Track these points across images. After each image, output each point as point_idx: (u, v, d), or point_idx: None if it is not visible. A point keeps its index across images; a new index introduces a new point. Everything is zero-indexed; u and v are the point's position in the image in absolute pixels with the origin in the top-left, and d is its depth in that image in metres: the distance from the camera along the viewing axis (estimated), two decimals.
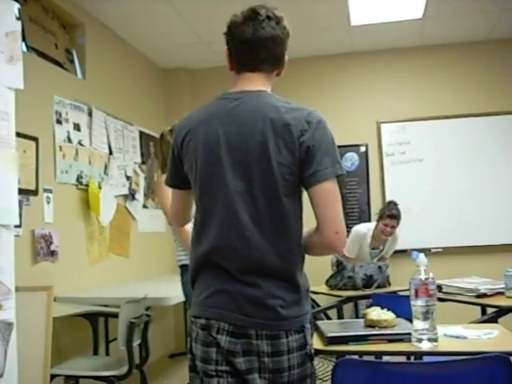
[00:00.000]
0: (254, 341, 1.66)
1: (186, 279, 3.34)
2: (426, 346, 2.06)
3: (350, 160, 6.10)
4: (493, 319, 3.12)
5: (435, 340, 2.08)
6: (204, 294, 1.74)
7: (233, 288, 1.68)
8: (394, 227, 5.00)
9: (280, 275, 1.68)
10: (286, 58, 1.84)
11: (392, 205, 5.04)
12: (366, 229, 5.17)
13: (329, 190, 1.66)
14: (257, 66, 1.79)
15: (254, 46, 1.76)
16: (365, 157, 6.14)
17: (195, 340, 1.74)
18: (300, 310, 1.70)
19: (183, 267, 3.36)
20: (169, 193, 3.21)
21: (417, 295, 1.99)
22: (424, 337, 2.07)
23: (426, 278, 2.07)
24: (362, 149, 6.14)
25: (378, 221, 5.07)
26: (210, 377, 1.72)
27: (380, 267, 4.33)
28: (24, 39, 3.91)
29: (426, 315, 2.04)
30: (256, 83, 1.79)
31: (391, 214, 4.98)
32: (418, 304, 2.04)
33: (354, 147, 6.11)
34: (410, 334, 2.14)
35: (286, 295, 1.68)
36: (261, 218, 1.67)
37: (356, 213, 6.13)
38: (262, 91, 1.77)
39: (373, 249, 5.16)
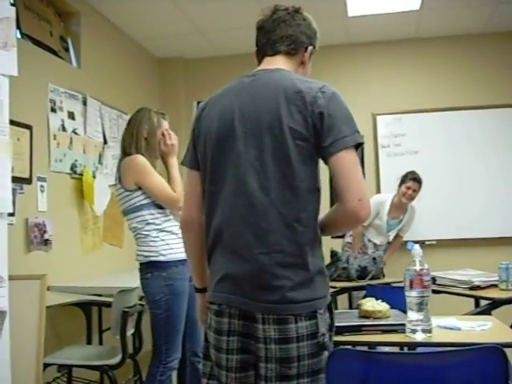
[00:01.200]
0: (260, 325, 1.61)
1: (155, 274, 3.08)
2: (420, 336, 2.06)
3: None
4: (486, 311, 3.13)
5: (429, 331, 2.08)
6: (216, 279, 1.72)
7: (239, 271, 1.65)
8: (415, 191, 5.11)
9: (288, 250, 1.61)
10: (310, 48, 1.87)
11: (414, 172, 5.19)
12: (385, 197, 5.27)
13: (350, 158, 1.63)
14: (272, 48, 1.83)
15: (269, 28, 1.84)
16: (360, 148, 6.11)
17: (209, 327, 1.74)
18: (312, 293, 1.63)
19: (152, 263, 3.09)
20: (156, 174, 3.14)
21: (411, 286, 1.99)
22: (418, 328, 2.07)
23: (421, 269, 2.07)
24: None
25: (399, 185, 5.18)
26: (220, 368, 1.71)
27: (374, 258, 4.34)
28: (18, 26, 3.88)
29: (421, 306, 2.04)
30: (275, 63, 1.82)
31: (414, 177, 5.13)
32: (412, 295, 2.03)
33: None
34: (404, 324, 2.15)
35: (293, 275, 1.60)
36: (270, 185, 1.63)
37: None
38: (280, 68, 1.79)
39: (392, 219, 5.21)
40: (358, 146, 1.67)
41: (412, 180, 5.11)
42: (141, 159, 3.16)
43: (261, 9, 1.90)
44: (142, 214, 3.15)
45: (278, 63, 1.81)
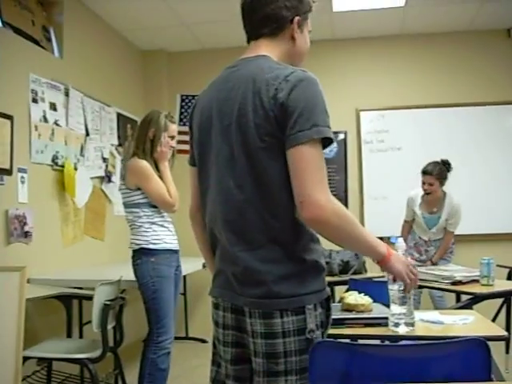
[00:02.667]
0: (247, 319, 1.59)
1: (144, 260, 3.42)
2: (402, 330, 2.07)
3: (328, 147, 6.08)
4: (468, 306, 3.16)
5: (412, 325, 2.08)
6: (214, 274, 1.76)
7: (227, 266, 1.65)
8: (431, 184, 4.93)
9: (268, 246, 1.57)
10: (297, 19, 1.71)
11: (431, 162, 5.02)
12: (415, 192, 5.15)
13: (300, 155, 1.50)
14: (255, 32, 1.75)
15: (247, 9, 1.75)
16: (343, 144, 6.14)
17: (212, 318, 1.76)
18: (299, 288, 1.57)
19: (142, 250, 3.44)
20: (157, 178, 3.39)
21: (394, 279, 1.98)
22: (401, 321, 2.07)
23: None
24: (341, 136, 6.14)
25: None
26: (221, 358, 1.74)
27: (357, 253, 4.35)
28: (0, 15, 3.83)
29: (404, 300, 2.04)
30: (257, 49, 1.73)
31: (424, 169, 4.99)
32: (395, 288, 2.03)
33: (333, 134, 6.10)
34: (386, 318, 2.15)
35: (276, 269, 1.56)
36: (245, 182, 1.58)
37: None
38: (260, 56, 1.70)
39: (428, 214, 5.10)
40: (326, 143, 1.57)
41: (424, 174, 4.97)
42: (143, 164, 3.41)
43: None
44: (138, 211, 3.49)
45: (260, 48, 1.72)
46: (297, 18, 1.72)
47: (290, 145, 1.52)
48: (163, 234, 3.48)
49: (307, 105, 1.53)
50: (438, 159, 5.03)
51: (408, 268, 1.77)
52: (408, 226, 5.27)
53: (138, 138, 3.52)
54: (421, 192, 5.05)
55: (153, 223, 3.47)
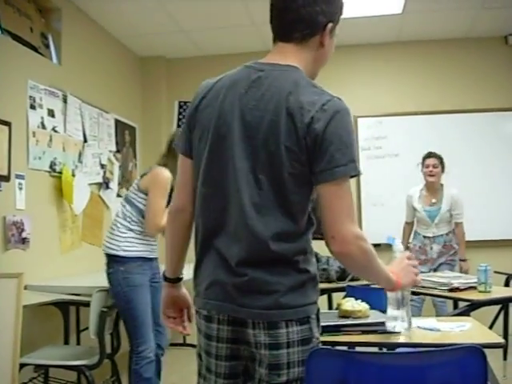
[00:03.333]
0: (250, 330, 1.56)
1: (115, 269, 3.42)
2: (399, 329, 2.06)
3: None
4: (465, 313, 3.15)
5: (409, 328, 2.08)
6: (204, 285, 1.66)
7: (228, 279, 1.58)
8: (435, 166, 5.09)
9: (278, 262, 1.54)
10: (330, 26, 1.64)
11: (430, 151, 5.23)
12: (412, 190, 5.29)
13: (335, 190, 1.51)
14: (286, 32, 1.64)
15: (279, 8, 1.64)
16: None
17: (199, 331, 1.70)
18: (304, 299, 1.57)
19: (113, 257, 3.44)
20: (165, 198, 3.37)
21: None
22: (398, 324, 2.07)
23: None
24: None
25: (421, 170, 5.21)
26: (209, 372, 1.68)
27: None
28: None
29: (402, 302, 2.04)
30: (287, 56, 1.63)
31: (427, 154, 5.17)
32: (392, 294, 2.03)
33: None
34: (383, 324, 2.15)
35: (285, 280, 1.54)
36: (262, 201, 1.54)
37: None
38: (291, 66, 1.61)
39: (428, 206, 5.16)
40: (353, 176, 1.55)
41: (428, 157, 5.14)
42: (166, 175, 3.42)
43: None
44: (129, 210, 3.50)
45: (288, 55, 1.63)
46: (330, 25, 1.65)
47: (324, 179, 1.50)
48: (137, 242, 3.46)
49: (344, 139, 1.51)
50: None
51: (411, 269, 1.82)
52: (409, 228, 5.33)
53: (167, 148, 3.58)
54: (419, 188, 5.20)
55: (131, 230, 3.46)
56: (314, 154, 1.50)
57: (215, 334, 1.63)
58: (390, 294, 2.04)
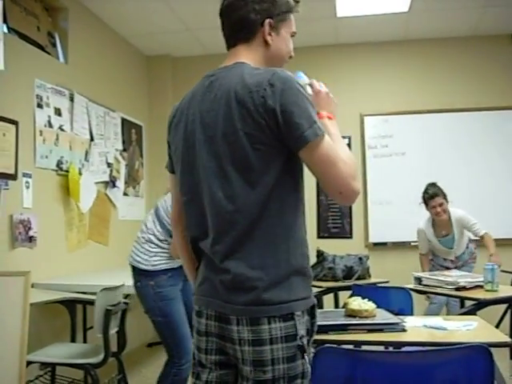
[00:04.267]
0: (234, 327, 1.56)
1: (144, 283, 3.31)
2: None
3: None
4: (472, 312, 3.14)
5: None
6: (197, 282, 1.72)
7: (214, 275, 1.62)
8: (442, 204, 4.81)
9: (259, 252, 1.55)
10: (268, 21, 1.68)
11: (427, 186, 4.95)
12: (422, 223, 5.04)
13: (317, 152, 1.53)
14: (229, 38, 1.75)
15: (222, 18, 1.75)
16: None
17: (193, 328, 1.73)
18: (288, 295, 1.55)
19: (140, 271, 3.33)
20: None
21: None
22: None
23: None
24: (345, 141, 6.12)
25: (427, 210, 4.94)
26: (202, 366, 1.70)
27: (361, 258, 4.34)
28: (5, 21, 3.84)
29: None
30: (235, 57, 1.71)
31: (428, 195, 4.86)
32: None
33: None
34: (390, 324, 2.15)
35: (265, 275, 1.54)
36: (235, 193, 1.56)
37: (337, 205, 6.13)
38: (238, 63, 1.67)
39: (443, 236, 4.94)
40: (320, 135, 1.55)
41: (430, 198, 4.85)
42: None
43: None
44: (161, 231, 3.38)
45: (238, 55, 1.71)
46: (268, 21, 1.69)
47: (299, 147, 1.52)
48: (165, 257, 3.34)
49: (301, 105, 1.53)
50: (425, 185, 5.02)
51: (327, 99, 1.79)
52: (426, 259, 5.09)
53: None
54: (427, 220, 5.00)
55: (159, 246, 3.36)
56: (280, 129, 1.52)
57: (204, 329, 1.66)
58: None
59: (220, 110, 1.59)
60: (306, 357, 1.56)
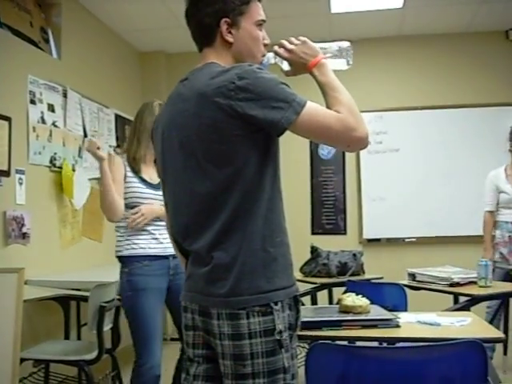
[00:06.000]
0: (215, 321, 1.57)
1: (121, 271, 3.06)
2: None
3: (327, 148, 6.08)
4: (465, 308, 3.15)
5: None
6: (185, 278, 1.74)
7: (196, 269, 1.64)
8: None
9: (236, 242, 1.56)
10: (224, 21, 1.68)
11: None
12: (493, 171, 4.63)
13: (305, 125, 1.53)
14: (196, 43, 1.78)
15: (187, 25, 1.80)
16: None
17: (182, 323, 1.75)
18: (266, 284, 1.55)
19: (118, 258, 3.09)
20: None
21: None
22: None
23: None
24: None
25: (509, 149, 4.53)
26: (190, 361, 1.72)
27: (355, 255, 4.34)
28: None
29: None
30: (205, 59, 1.73)
31: None
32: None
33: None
34: (384, 320, 2.15)
35: (241, 264, 1.54)
36: (214, 186, 1.57)
37: (331, 201, 6.14)
38: (207, 64, 1.69)
39: None
40: (303, 106, 1.54)
41: None
42: (116, 160, 3.15)
43: None
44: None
45: (206, 58, 1.73)
46: (223, 21, 1.68)
47: (283, 129, 1.53)
48: (141, 239, 3.05)
49: (272, 88, 1.53)
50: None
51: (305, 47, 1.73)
52: (491, 219, 4.58)
53: (132, 132, 3.26)
54: (502, 169, 4.60)
55: (123, 227, 3.10)
56: (257, 118, 1.52)
57: (191, 323, 1.69)
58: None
59: (192, 111, 1.60)
60: (286, 352, 1.56)
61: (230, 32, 1.70)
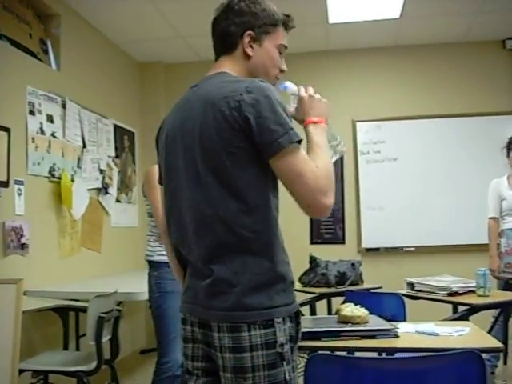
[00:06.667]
0: (216, 334, 1.56)
1: (150, 274, 3.31)
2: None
3: None
4: (464, 317, 3.15)
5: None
6: (184, 289, 1.74)
7: (196, 282, 1.64)
8: None
9: (242, 256, 1.56)
10: (248, 33, 1.72)
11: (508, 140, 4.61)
12: (496, 179, 4.67)
13: (288, 160, 1.52)
14: (215, 51, 1.81)
15: (212, 32, 1.82)
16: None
17: (180, 335, 1.75)
18: (269, 301, 1.54)
19: (149, 262, 3.34)
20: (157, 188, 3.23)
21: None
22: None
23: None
24: None
25: (507, 156, 4.57)
26: (189, 373, 1.71)
27: (353, 264, 4.35)
28: None
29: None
30: (218, 67, 1.76)
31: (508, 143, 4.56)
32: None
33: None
34: (383, 330, 2.15)
35: (246, 280, 1.54)
36: (212, 197, 1.57)
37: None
38: (219, 72, 1.72)
39: None
40: (298, 142, 1.54)
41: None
42: (151, 169, 3.20)
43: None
44: (149, 220, 3.40)
45: (221, 66, 1.76)
46: (247, 33, 1.73)
47: (272, 152, 1.52)
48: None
49: (277, 112, 1.54)
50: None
51: (318, 103, 1.77)
52: (495, 225, 4.61)
53: None
54: (505, 176, 4.63)
55: (156, 233, 3.31)
56: (253, 134, 1.52)
57: (190, 335, 1.68)
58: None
59: (198, 118, 1.62)
60: (288, 364, 1.55)
61: (251, 45, 1.74)
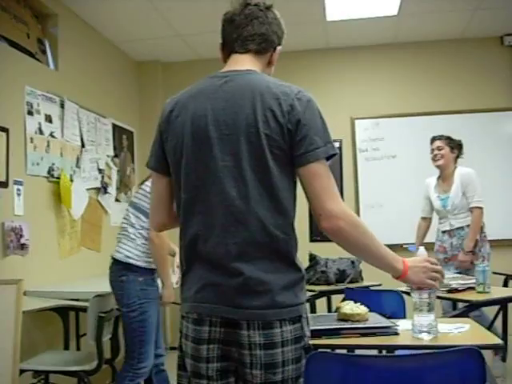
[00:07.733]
0: (245, 331, 1.57)
1: (131, 278, 3.29)
2: (427, 337, 2.04)
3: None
4: (464, 314, 3.15)
5: (436, 332, 2.06)
6: (194, 288, 1.66)
7: (222, 280, 1.60)
8: (440, 148, 4.73)
9: (271, 256, 1.60)
10: (279, 48, 1.84)
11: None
12: (429, 179, 4.92)
13: (318, 170, 1.60)
14: (243, 45, 1.78)
15: (240, 22, 1.78)
16: (338, 152, 6.14)
17: (186, 337, 1.69)
18: (295, 298, 1.62)
19: (130, 266, 3.31)
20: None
21: (421, 287, 1.96)
22: (427, 329, 2.05)
23: None
24: (336, 144, 6.07)
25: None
26: (200, 377, 1.66)
27: (353, 262, 4.35)
28: None
29: (430, 306, 2.04)
30: (243, 63, 1.76)
31: (431, 139, 4.85)
32: (417, 297, 2.02)
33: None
34: (382, 327, 2.15)
35: (278, 279, 1.59)
36: (250, 193, 1.59)
37: None
38: (251, 70, 1.74)
39: (441, 193, 4.75)
40: (330, 157, 1.64)
41: (431, 142, 4.80)
42: None
43: (230, 1, 1.82)
44: (143, 219, 3.36)
45: (246, 63, 1.76)
46: (279, 48, 1.84)
47: (307, 160, 1.60)
48: (150, 253, 3.33)
49: (320, 124, 1.64)
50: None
51: (428, 271, 1.83)
52: (424, 225, 4.99)
53: None
54: (436, 177, 4.85)
55: (146, 238, 3.33)
56: (295, 139, 1.60)
57: (206, 336, 1.63)
58: (420, 300, 2.01)
59: (242, 111, 1.63)
60: (305, 358, 1.62)
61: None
